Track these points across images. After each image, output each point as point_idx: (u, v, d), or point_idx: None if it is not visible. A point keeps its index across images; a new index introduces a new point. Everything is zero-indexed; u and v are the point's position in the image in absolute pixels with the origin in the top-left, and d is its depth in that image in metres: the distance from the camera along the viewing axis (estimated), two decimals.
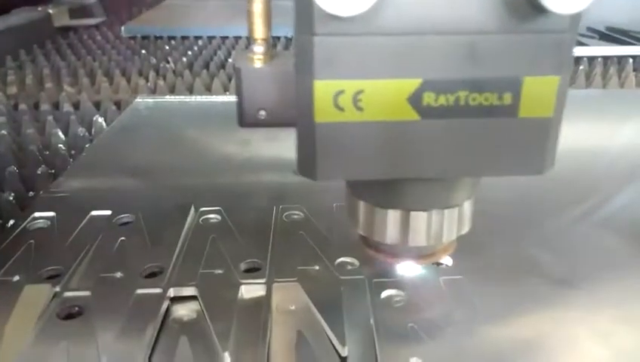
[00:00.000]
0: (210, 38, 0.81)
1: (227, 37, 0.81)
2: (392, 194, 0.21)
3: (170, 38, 0.82)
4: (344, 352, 0.21)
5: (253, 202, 0.33)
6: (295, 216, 0.31)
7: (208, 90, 0.60)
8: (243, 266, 0.27)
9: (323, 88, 0.17)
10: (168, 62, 0.69)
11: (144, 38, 0.83)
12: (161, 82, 0.60)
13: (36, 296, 0.24)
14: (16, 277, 0.26)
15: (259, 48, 0.20)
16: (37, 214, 0.31)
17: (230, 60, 0.68)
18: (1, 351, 0.22)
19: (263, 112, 0.20)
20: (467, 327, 0.23)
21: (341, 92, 0.17)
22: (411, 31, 0.17)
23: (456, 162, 0.19)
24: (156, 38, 0.82)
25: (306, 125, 0.18)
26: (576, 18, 0.17)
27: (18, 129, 0.49)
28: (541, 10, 0.16)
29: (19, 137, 0.47)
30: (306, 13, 0.17)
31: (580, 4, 0.16)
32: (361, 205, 0.22)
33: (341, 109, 0.18)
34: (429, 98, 0.18)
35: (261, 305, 0.24)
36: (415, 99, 0.18)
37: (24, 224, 0.31)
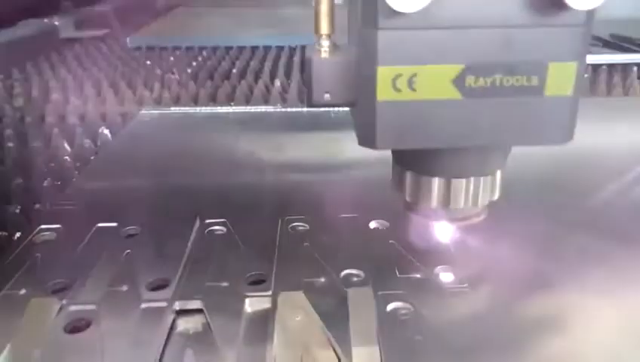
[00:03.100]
0: (215, 49, 0.82)
1: (231, 47, 0.82)
2: (436, 164, 0.25)
3: (175, 48, 0.82)
4: None
5: (259, 213, 0.33)
6: (300, 228, 0.31)
7: (213, 100, 0.60)
8: (248, 278, 0.27)
9: (384, 73, 0.21)
10: (173, 73, 0.69)
11: (149, 49, 0.83)
12: (166, 93, 0.60)
13: (43, 309, 0.24)
14: (23, 291, 0.26)
15: (325, 42, 0.23)
16: (43, 226, 0.32)
17: (234, 71, 0.69)
18: None
19: (327, 95, 0.23)
20: (474, 340, 0.23)
21: (399, 76, 0.21)
22: (457, 25, 0.21)
23: (491, 133, 0.22)
24: (161, 49, 0.83)
25: (368, 103, 0.22)
26: (590, 14, 0.20)
27: (24, 141, 0.49)
28: (564, 7, 0.20)
29: (25, 149, 0.48)
30: (371, 11, 0.20)
31: (594, 2, 0.19)
32: (408, 175, 0.26)
33: (398, 90, 0.21)
34: (470, 80, 0.21)
35: (267, 318, 0.24)
36: (459, 81, 0.21)
37: (30, 236, 0.31)
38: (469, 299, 0.25)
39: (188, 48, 0.82)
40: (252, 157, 0.43)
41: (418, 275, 0.27)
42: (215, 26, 0.97)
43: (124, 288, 0.26)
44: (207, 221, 0.32)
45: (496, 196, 0.26)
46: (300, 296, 0.25)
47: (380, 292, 0.25)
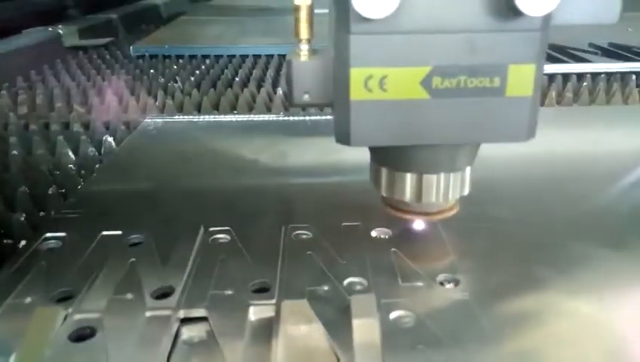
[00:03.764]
0: (218, 57, 0.82)
1: (234, 56, 0.82)
2: (408, 160, 0.26)
3: (178, 57, 0.83)
4: None
5: (262, 222, 0.33)
6: (304, 236, 0.31)
7: (216, 108, 0.61)
8: (252, 287, 0.27)
9: (357, 74, 0.22)
10: (176, 81, 0.69)
11: (152, 57, 0.84)
12: (169, 101, 0.61)
13: (48, 318, 0.24)
14: (28, 299, 0.26)
15: (304, 46, 0.24)
16: (48, 235, 0.32)
17: (237, 79, 0.69)
18: None
19: (307, 96, 0.24)
20: (475, 348, 0.23)
21: (370, 77, 0.22)
22: (423, 30, 0.22)
23: (458, 131, 0.24)
24: (164, 57, 0.83)
25: (343, 103, 0.23)
26: (546, 19, 0.22)
27: (29, 149, 0.49)
28: (519, 14, 0.21)
29: (30, 157, 0.48)
30: (344, 17, 0.22)
31: (547, 8, 0.21)
32: (384, 171, 0.27)
33: (370, 90, 0.23)
34: (437, 81, 0.23)
35: (270, 326, 0.24)
36: (426, 82, 0.23)
37: (35, 245, 0.31)
38: (468, 307, 0.26)
39: (191, 57, 0.83)
40: (255, 165, 0.43)
41: (420, 283, 0.27)
42: (218, 35, 0.97)
43: (129, 296, 0.26)
44: (212, 229, 0.32)
45: (466, 191, 0.27)
46: (303, 304, 0.25)
47: (383, 301, 0.25)
